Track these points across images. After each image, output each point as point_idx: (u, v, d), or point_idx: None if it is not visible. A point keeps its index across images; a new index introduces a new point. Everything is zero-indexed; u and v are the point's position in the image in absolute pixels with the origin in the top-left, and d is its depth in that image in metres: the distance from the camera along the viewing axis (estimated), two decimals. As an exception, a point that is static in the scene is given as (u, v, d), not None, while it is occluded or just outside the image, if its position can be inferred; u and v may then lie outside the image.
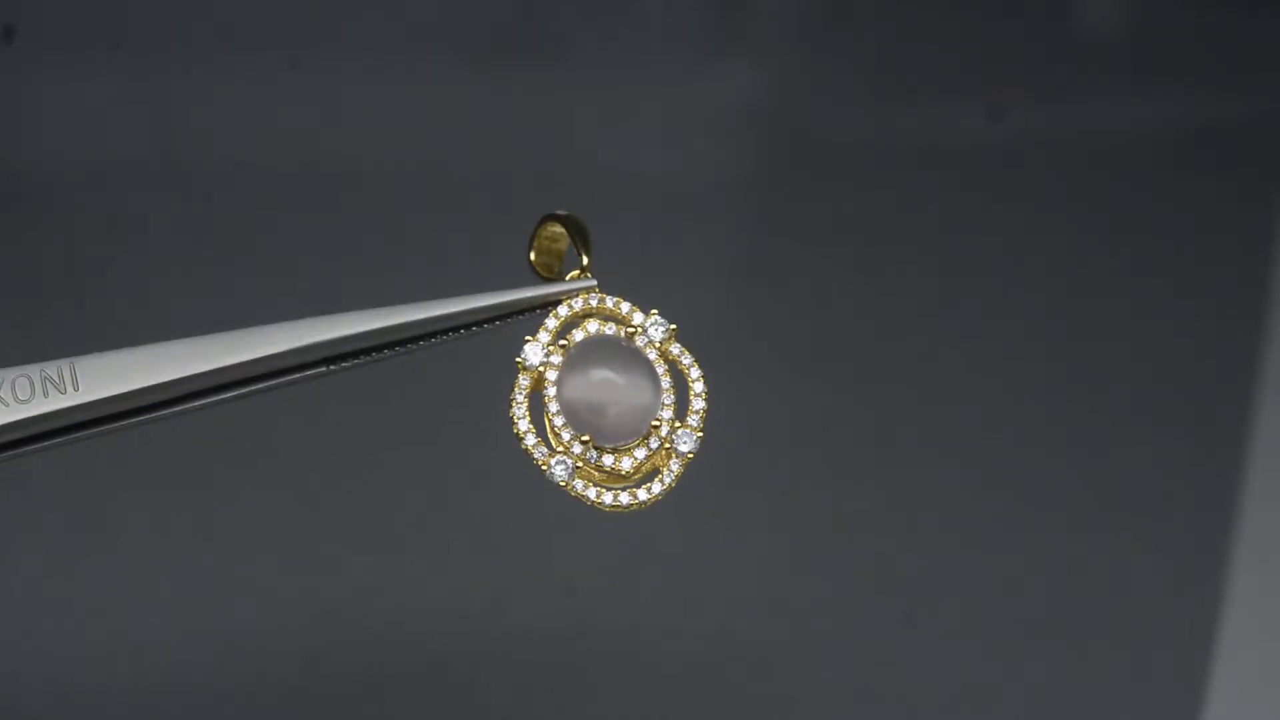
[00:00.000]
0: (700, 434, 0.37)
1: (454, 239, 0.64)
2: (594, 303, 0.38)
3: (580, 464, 0.37)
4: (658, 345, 0.38)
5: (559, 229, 0.38)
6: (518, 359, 0.37)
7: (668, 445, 0.37)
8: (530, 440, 0.37)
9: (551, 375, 0.37)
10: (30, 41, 0.62)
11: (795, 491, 0.67)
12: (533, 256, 0.39)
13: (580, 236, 0.38)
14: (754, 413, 0.67)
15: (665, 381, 0.37)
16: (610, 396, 0.37)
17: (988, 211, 0.68)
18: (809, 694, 0.66)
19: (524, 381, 0.37)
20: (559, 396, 0.37)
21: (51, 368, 0.35)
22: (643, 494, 0.37)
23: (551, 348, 0.37)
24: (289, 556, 0.65)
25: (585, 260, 0.38)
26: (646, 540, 0.66)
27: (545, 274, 0.39)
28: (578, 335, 0.38)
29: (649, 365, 0.37)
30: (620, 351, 0.37)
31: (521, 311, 0.38)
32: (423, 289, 0.64)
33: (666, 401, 0.37)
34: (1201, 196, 0.68)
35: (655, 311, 0.37)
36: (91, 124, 0.63)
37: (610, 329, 0.38)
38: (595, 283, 0.38)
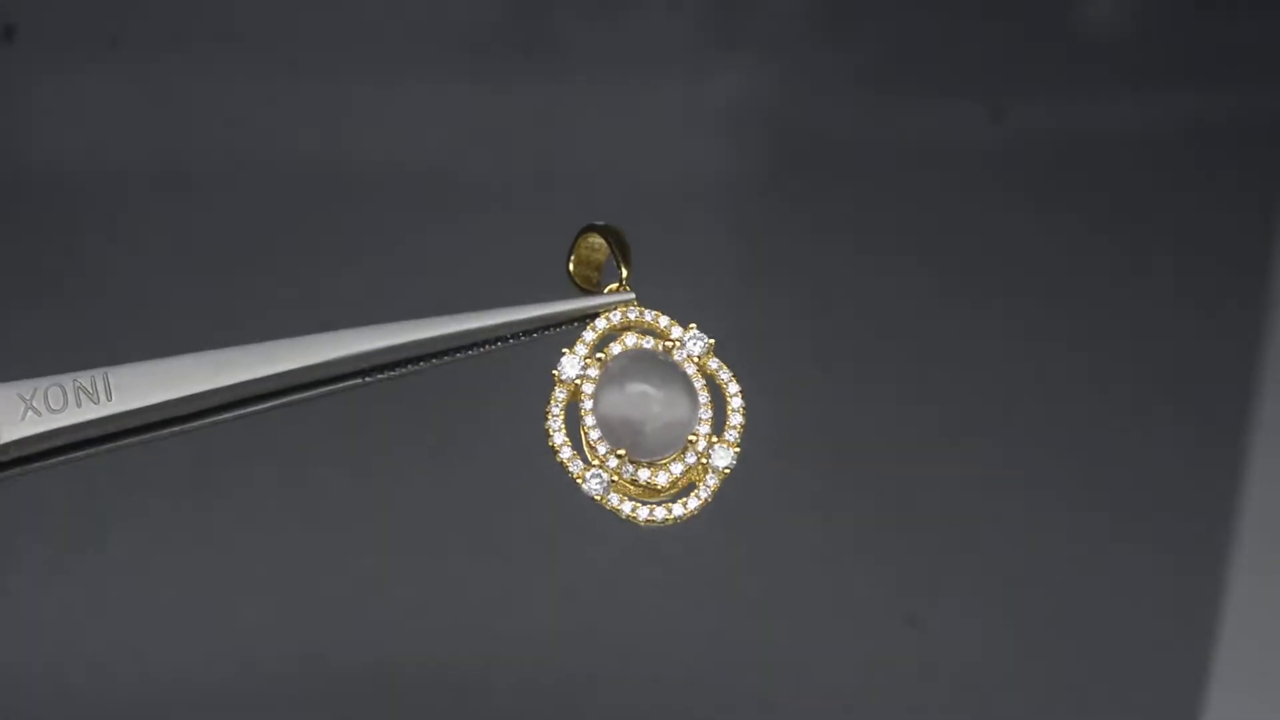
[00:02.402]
0: (738, 449, 0.37)
1: (454, 239, 0.64)
2: (632, 316, 0.38)
3: (615, 478, 0.37)
4: (696, 360, 0.37)
5: (599, 240, 0.38)
6: (554, 371, 0.37)
7: (704, 460, 0.37)
8: (566, 454, 0.37)
9: (588, 389, 0.37)
10: (30, 41, 0.62)
11: (795, 491, 0.67)
12: (571, 267, 0.39)
13: (620, 249, 0.38)
14: (753, 412, 0.67)
15: (703, 396, 0.37)
16: (647, 412, 0.37)
17: (988, 211, 0.68)
18: (809, 693, 0.66)
19: (560, 394, 0.37)
20: (595, 411, 0.36)
21: (85, 377, 0.34)
22: (678, 509, 0.37)
23: (588, 360, 0.37)
24: (290, 557, 0.65)
25: (625, 273, 0.38)
26: (646, 541, 0.66)
27: (584, 285, 0.39)
28: (615, 349, 0.37)
29: (686, 380, 0.37)
30: (658, 366, 0.37)
31: (559, 325, 0.37)
32: (423, 289, 0.65)
33: (704, 416, 0.37)
34: (1201, 196, 0.68)
35: (694, 326, 0.37)
36: (91, 124, 0.63)
37: (648, 343, 0.37)
38: (634, 296, 0.38)
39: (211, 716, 0.64)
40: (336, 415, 0.65)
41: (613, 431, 0.36)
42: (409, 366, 0.37)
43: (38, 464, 0.35)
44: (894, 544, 0.67)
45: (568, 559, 0.66)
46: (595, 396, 0.36)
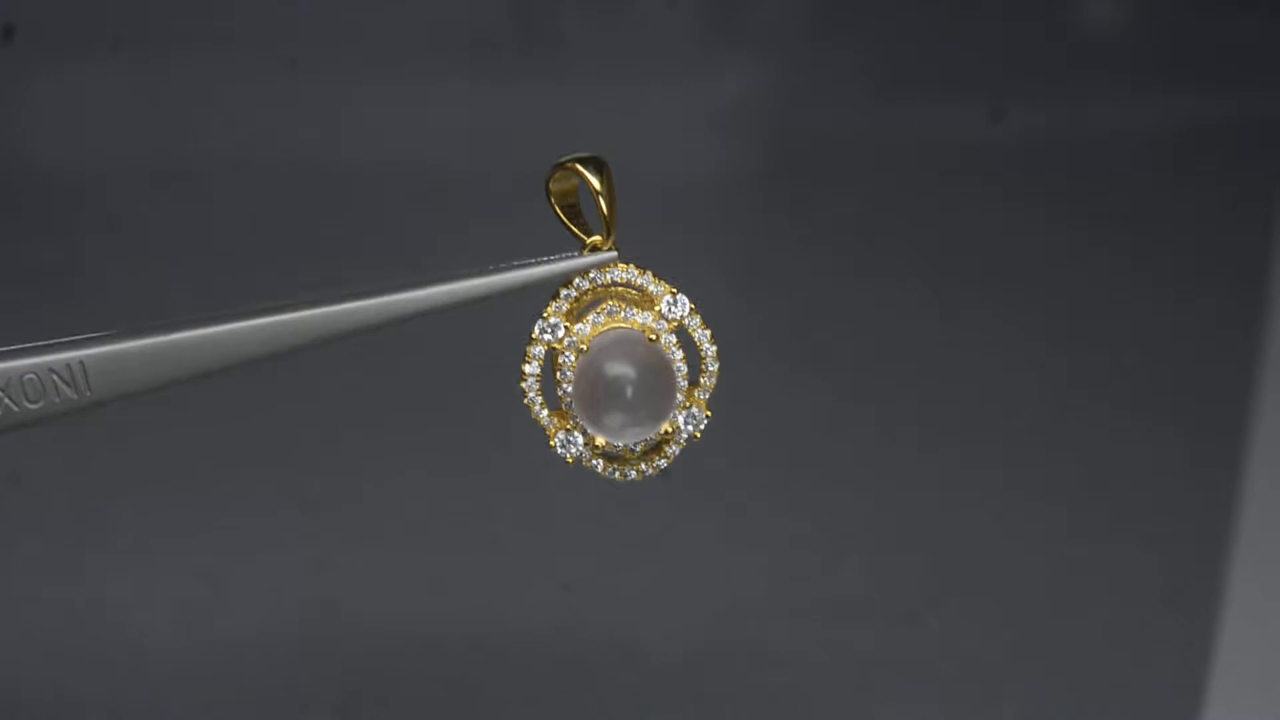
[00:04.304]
0: (708, 414, 0.37)
1: (453, 240, 0.64)
2: (616, 277, 0.36)
3: (585, 441, 0.36)
4: (677, 320, 0.36)
5: (573, 184, 0.36)
6: (533, 334, 0.36)
7: (674, 427, 0.36)
8: (538, 408, 0.36)
9: (568, 359, 0.36)
10: (30, 41, 0.62)
11: (795, 491, 0.67)
12: (552, 199, 0.36)
13: (604, 193, 0.35)
14: (753, 412, 0.67)
15: (681, 381, 0.36)
16: (626, 418, 0.36)
17: (988, 211, 0.68)
18: (808, 693, 0.66)
19: (536, 351, 0.36)
20: (573, 382, 0.36)
21: (61, 365, 0.33)
22: (645, 467, 0.37)
23: (567, 323, 0.36)
24: (287, 555, 0.65)
25: (608, 224, 0.36)
26: (646, 539, 0.66)
27: (568, 217, 0.36)
28: (597, 319, 0.36)
29: (670, 380, 0.36)
30: (642, 370, 0.36)
31: (535, 285, 0.36)
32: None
33: (680, 386, 0.36)
34: (1201, 196, 0.68)
35: (676, 291, 0.36)
36: (91, 124, 0.63)
37: (631, 313, 0.36)
38: (616, 255, 0.35)
39: (210, 715, 0.64)
40: (336, 411, 0.65)
41: (589, 416, 0.36)
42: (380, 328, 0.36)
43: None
44: (893, 544, 0.67)
45: (566, 557, 0.66)
46: (576, 371, 0.35)
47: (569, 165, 0.35)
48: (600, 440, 0.36)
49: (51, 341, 0.33)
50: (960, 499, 0.67)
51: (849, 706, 0.66)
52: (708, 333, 0.36)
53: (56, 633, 0.64)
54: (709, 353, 0.36)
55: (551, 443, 0.36)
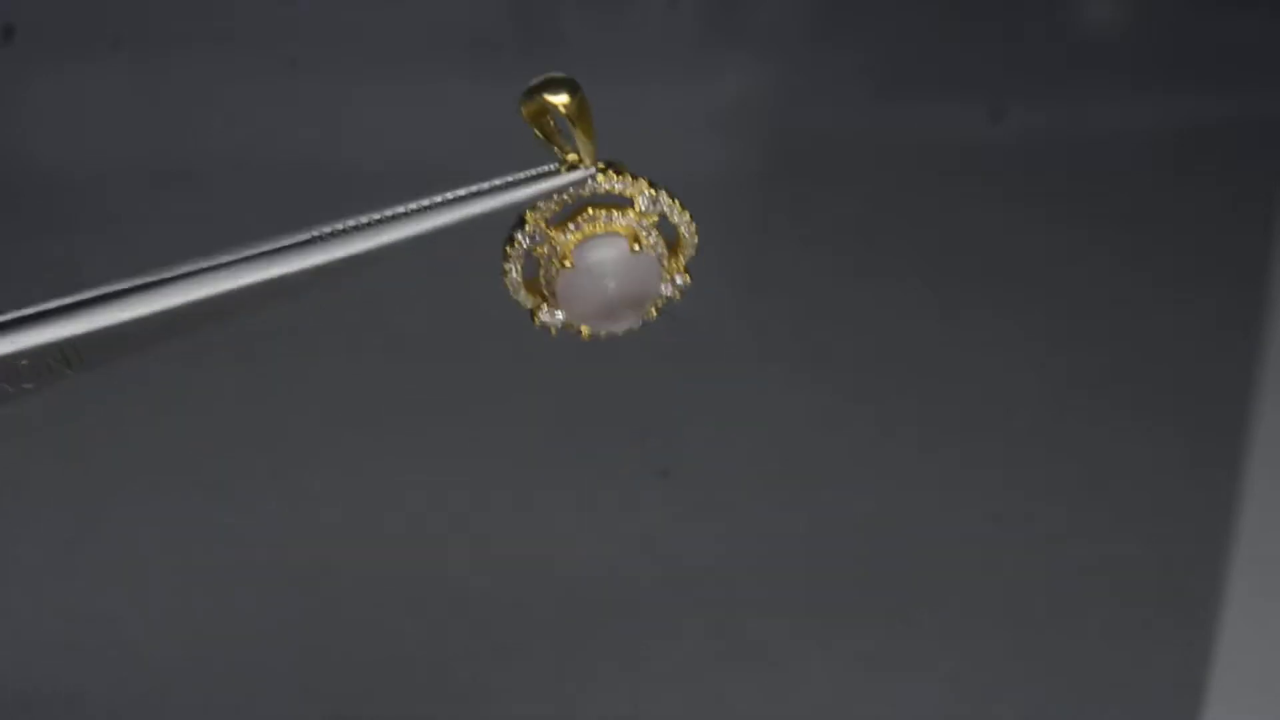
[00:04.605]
0: (688, 277, 0.37)
1: (454, 240, 0.64)
2: (597, 188, 0.35)
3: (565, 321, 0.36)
4: (655, 215, 0.36)
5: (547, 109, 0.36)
6: (514, 239, 0.36)
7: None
8: (522, 295, 0.36)
9: (551, 268, 0.36)
10: (30, 41, 0.62)
11: (794, 491, 0.67)
12: (528, 118, 0.36)
13: (577, 117, 0.35)
14: (753, 412, 0.67)
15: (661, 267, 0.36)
16: (620, 321, 0.36)
17: (988, 211, 0.68)
18: (808, 692, 0.66)
19: (520, 238, 0.36)
20: (561, 294, 0.36)
21: (51, 352, 0.33)
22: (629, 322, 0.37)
23: (550, 231, 0.36)
24: (284, 553, 0.65)
25: (582, 145, 0.35)
26: (645, 539, 0.66)
27: (544, 134, 0.36)
28: (577, 226, 0.36)
29: (654, 271, 0.36)
30: (626, 280, 0.36)
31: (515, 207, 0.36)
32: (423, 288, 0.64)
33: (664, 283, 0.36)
34: (1201, 196, 0.68)
35: (652, 190, 0.36)
36: (91, 124, 0.63)
37: (614, 218, 0.36)
38: (594, 171, 0.35)
39: (209, 715, 0.64)
40: (326, 403, 0.65)
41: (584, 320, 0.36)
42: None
43: None
44: (893, 543, 0.67)
45: (562, 551, 0.66)
46: (560, 291, 0.35)
47: (535, 94, 0.35)
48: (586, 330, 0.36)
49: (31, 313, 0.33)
50: (960, 499, 0.67)
51: (848, 706, 0.66)
52: (686, 215, 0.36)
53: (54, 631, 0.64)
54: (687, 229, 0.37)
55: (535, 321, 0.37)
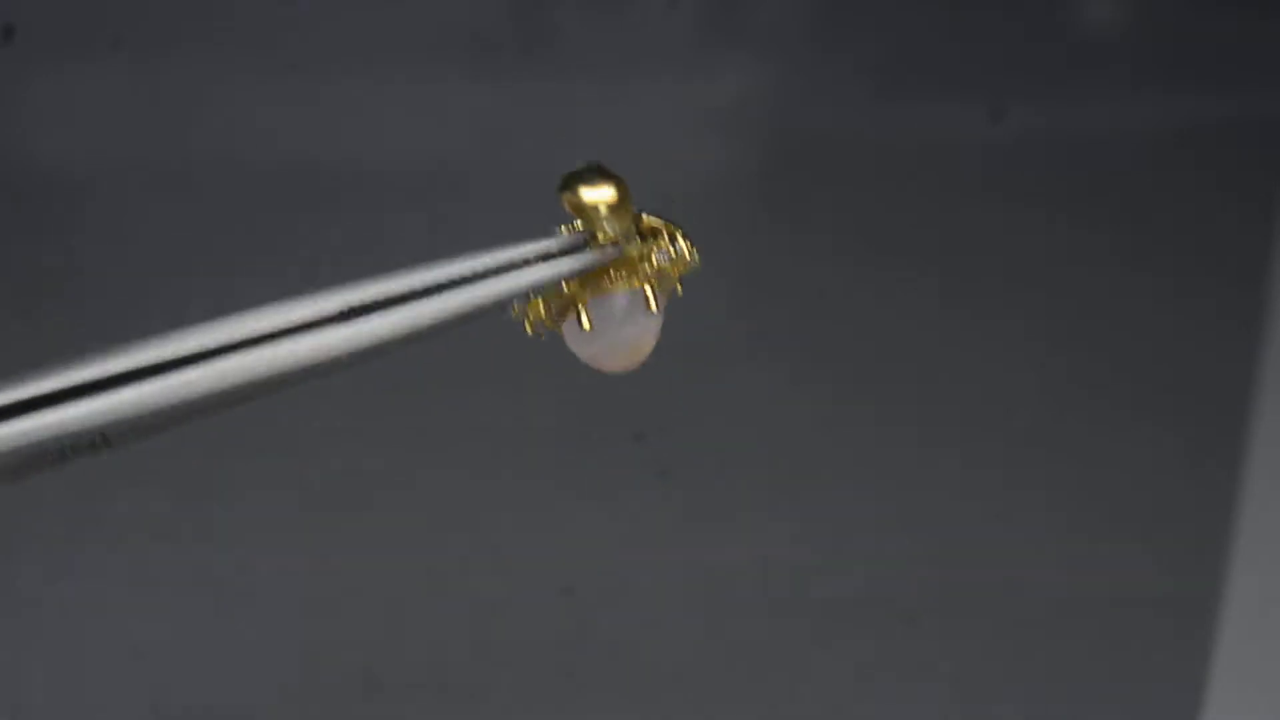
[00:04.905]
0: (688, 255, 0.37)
1: (453, 240, 0.64)
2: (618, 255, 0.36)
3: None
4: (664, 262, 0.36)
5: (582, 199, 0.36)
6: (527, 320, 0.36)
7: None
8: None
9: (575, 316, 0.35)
10: (30, 41, 0.62)
11: (794, 491, 0.67)
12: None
13: (619, 207, 0.35)
14: (753, 412, 0.67)
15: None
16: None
17: (988, 211, 0.68)
18: (807, 692, 0.66)
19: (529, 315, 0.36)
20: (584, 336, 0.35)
21: (84, 436, 0.32)
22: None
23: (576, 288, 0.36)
24: (289, 558, 0.65)
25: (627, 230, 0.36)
26: (645, 540, 0.66)
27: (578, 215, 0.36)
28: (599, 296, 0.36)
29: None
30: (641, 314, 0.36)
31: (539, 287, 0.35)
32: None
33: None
34: (1201, 196, 0.68)
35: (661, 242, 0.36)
36: (91, 124, 0.63)
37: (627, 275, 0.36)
38: (620, 249, 0.35)
39: (208, 714, 0.64)
40: (336, 415, 0.65)
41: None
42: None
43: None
44: (893, 544, 0.67)
45: (567, 560, 0.66)
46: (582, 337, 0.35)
47: (575, 188, 0.35)
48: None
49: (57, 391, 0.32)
50: (960, 499, 0.67)
51: (849, 706, 0.66)
52: (685, 243, 0.36)
53: (55, 632, 0.64)
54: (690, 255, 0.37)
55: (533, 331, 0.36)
